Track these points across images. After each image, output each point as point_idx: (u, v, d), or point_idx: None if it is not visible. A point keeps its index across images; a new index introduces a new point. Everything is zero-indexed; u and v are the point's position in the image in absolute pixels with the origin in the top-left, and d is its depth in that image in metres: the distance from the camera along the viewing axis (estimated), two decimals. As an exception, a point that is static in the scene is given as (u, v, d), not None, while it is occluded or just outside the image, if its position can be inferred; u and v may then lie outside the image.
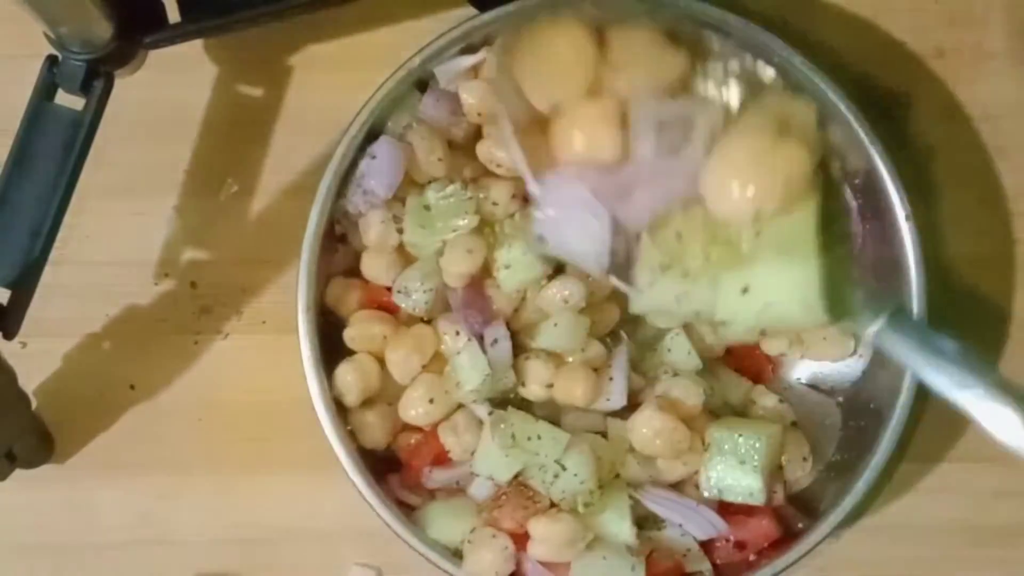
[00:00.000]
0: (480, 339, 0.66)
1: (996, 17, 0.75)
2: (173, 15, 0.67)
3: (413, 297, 0.67)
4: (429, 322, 0.68)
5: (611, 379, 0.67)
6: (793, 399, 0.70)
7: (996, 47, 0.75)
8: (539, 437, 0.65)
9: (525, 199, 0.67)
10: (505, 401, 0.67)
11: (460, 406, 0.67)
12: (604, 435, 0.67)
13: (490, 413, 0.66)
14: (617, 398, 0.67)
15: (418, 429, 0.68)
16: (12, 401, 0.66)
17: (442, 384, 0.67)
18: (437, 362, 0.67)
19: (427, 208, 0.67)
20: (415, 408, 0.67)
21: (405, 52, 0.67)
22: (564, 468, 0.64)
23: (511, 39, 0.64)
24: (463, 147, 0.69)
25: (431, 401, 0.66)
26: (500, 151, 0.66)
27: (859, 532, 0.71)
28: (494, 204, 0.67)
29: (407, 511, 0.67)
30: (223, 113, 0.74)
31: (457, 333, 0.66)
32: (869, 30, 0.75)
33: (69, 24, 0.62)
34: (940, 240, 0.73)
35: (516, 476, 0.66)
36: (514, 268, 0.66)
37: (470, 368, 0.65)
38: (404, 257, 0.68)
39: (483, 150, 0.67)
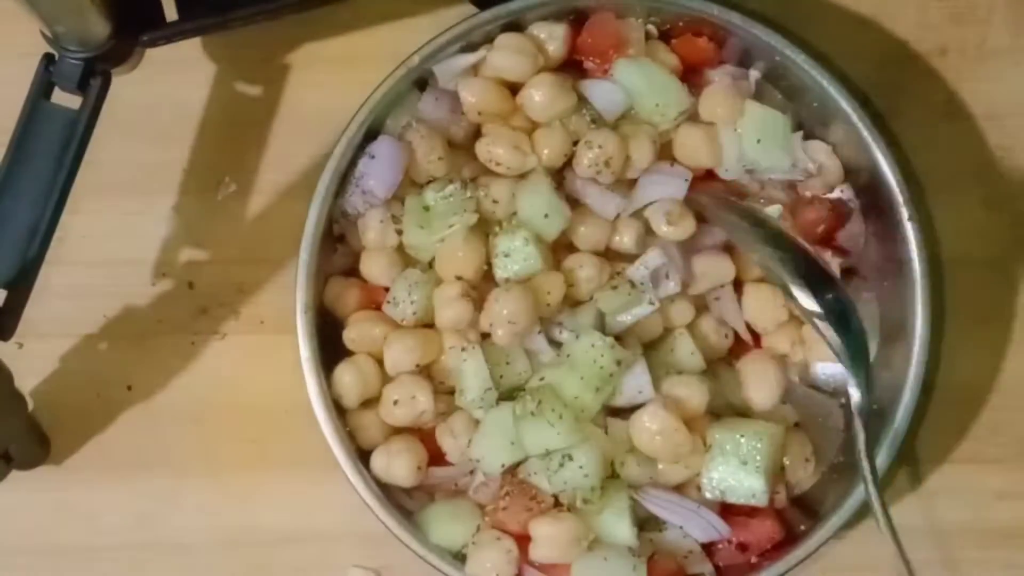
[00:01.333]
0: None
1: (999, 15, 0.75)
2: (171, 13, 0.67)
3: (401, 307, 0.66)
4: (431, 325, 0.67)
5: (634, 373, 0.66)
6: (795, 400, 0.70)
7: (1000, 45, 0.75)
8: (561, 418, 0.63)
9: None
10: (511, 396, 0.66)
11: (457, 409, 0.67)
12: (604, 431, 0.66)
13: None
14: (646, 391, 0.66)
15: (417, 430, 0.68)
16: (8, 402, 0.65)
17: (418, 387, 0.66)
18: (432, 366, 0.67)
19: (426, 208, 0.66)
20: (386, 407, 0.66)
21: (405, 50, 0.67)
22: (571, 459, 0.63)
23: None
24: (463, 146, 0.69)
25: (395, 403, 0.66)
26: (499, 148, 0.66)
27: (861, 534, 0.70)
28: (494, 202, 0.67)
29: (407, 513, 0.66)
30: (221, 112, 0.74)
31: (462, 349, 0.66)
32: (872, 28, 0.75)
33: (66, 22, 0.62)
34: (943, 240, 0.73)
35: (516, 473, 0.66)
36: (512, 257, 0.66)
37: (473, 378, 0.65)
38: (403, 257, 0.68)
39: (482, 148, 0.67)
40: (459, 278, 0.66)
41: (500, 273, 0.66)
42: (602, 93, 0.68)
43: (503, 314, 0.64)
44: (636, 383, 0.66)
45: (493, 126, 0.68)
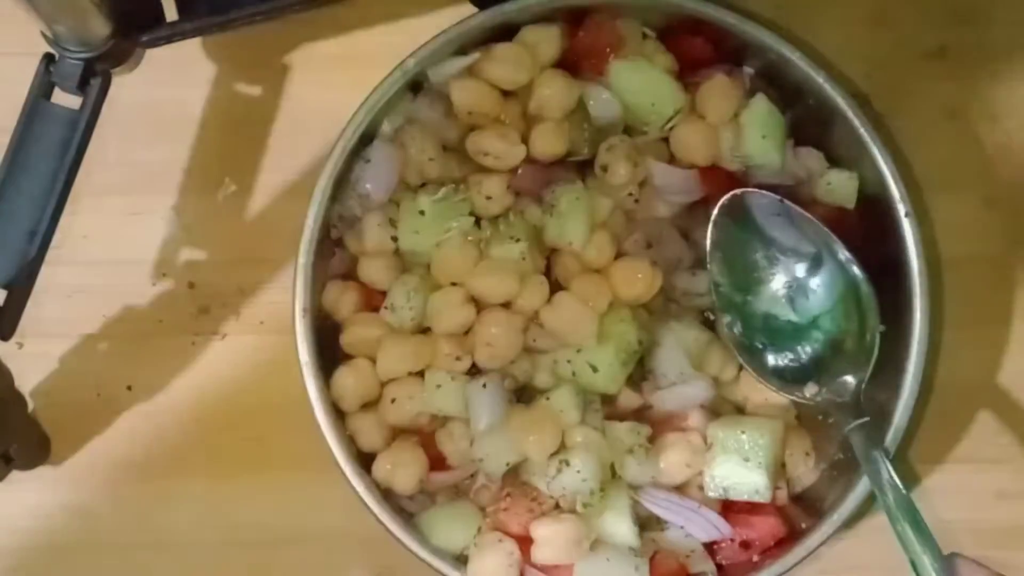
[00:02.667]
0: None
1: (1000, 15, 0.75)
2: (171, 13, 0.67)
3: (399, 313, 0.66)
4: (427, 331, 0.67)
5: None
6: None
7: (999, 45, 0.75)
8: (577, 394, 0.64)
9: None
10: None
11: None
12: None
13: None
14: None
15: (417, 432, 0.68)
16: (9, 402, 0.66)
17: (417, 387, 0.66)
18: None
19: (422, 213, 0.67)
20: (384, 405, 0.66)
21: (405, 50, 0.67)
22: (568, 464, 0.64)
23: None
24: (457, 150, 0.69)
25: (393, 401, 0.66)
26: (487, 139, 0.66)
27: (860, 533, 0.71)
28: (488, 198, 0.67)
29: (408, 516, 0.66)
30: (221, 112, 0.74)
31: (458, 358, 0.66)
32: (872, 28, 0.75)
33: (66, 22, 0.62)
34: (942, 239, 0.73)
35: (518, 475, 0.66)
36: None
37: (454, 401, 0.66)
38: (401, 261, 0.68)
39: (471, 142, 0.67)
40: (455, 284, 0.66)
41: None
42: (599, 101, 0.68)
43: (485, 337, 0.65)
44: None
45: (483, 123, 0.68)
